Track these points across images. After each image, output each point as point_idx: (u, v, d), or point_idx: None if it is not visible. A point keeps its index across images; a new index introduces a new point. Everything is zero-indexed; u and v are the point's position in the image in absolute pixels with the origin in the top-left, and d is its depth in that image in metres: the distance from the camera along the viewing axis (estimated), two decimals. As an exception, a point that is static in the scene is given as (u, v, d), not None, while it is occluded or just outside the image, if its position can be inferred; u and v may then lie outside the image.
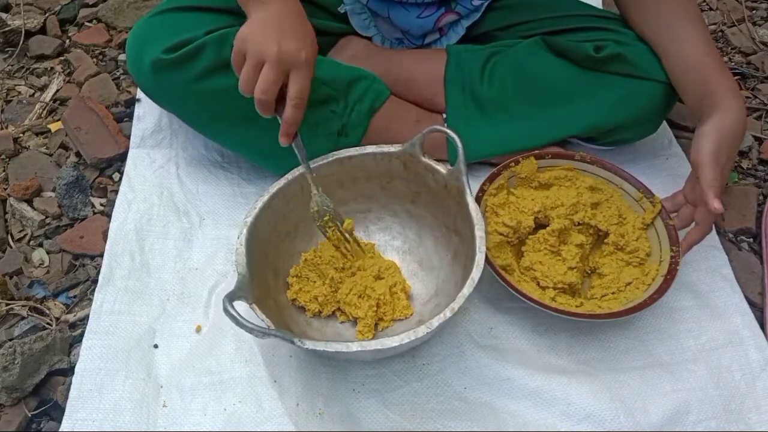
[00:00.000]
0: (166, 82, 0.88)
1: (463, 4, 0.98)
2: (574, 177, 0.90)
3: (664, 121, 1.05)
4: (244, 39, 0.74)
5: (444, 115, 0.97)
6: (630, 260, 0.84)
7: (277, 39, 0.72)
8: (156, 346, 0.82)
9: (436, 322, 0.68)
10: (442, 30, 1.02)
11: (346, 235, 0.83)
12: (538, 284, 0.83)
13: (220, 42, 0.86)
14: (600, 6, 1.28)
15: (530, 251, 0.84)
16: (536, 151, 0.90)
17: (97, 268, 0.90)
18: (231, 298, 0.67)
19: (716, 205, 0.74)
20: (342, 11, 0.99)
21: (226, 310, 0.66)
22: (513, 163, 0.89)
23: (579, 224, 0.86)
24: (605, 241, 0.86)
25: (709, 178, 0.76)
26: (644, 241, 0.85)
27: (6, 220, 0.99)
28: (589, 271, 0.86)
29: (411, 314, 0.83)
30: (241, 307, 0.68)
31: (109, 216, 0.96)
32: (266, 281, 0.80)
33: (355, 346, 0.67)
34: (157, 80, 0.88)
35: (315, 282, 0.83)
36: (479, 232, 0.74)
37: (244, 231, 0.77)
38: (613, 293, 0.82)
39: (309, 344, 0.67)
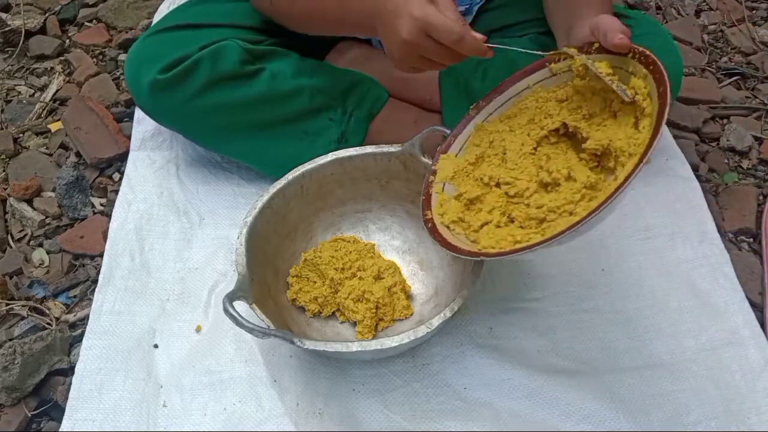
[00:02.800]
0: (165, 102, 0.89)
1: None
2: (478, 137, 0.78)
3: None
4: (392, 62, 0.74)
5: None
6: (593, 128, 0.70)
7: (396, 37, 0.70)
8: (156, 346, 0.82)
9: (436, 322, 0.68)
10: None
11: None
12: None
13: (214, 56, 0.86)
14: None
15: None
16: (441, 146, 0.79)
17: (97, 268, 0.90)
18: (231, 298, 0.67)
19: (618, 39, 0.66)
20: None
21: (226, 311, 0.66)
22: (432, 176, 0.77)
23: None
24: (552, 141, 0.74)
25: (619, 26, 0.68)
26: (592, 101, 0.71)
27: (6, 220, 0.99)
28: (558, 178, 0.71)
29: (411, 314, 0.83)
30: (241, 307, 0.68)
31: (109, 216, 0.96)
32: (266, 281, 0.80)
33: (355, 346, 0.67)
34: (155, 101, 0.89)
35: (315, 282, 0.83)
36: (479, 232, 0.74)
37: (244, 231, 0.77)
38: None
39: (309, 344, 0.67)
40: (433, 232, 0.71)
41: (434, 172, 0.77)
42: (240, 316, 0.65)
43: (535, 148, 0.74)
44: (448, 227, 0.72)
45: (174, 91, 0.87)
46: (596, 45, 0.70)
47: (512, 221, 0.71)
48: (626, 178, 0.58)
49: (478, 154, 0.76)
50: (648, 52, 0.65)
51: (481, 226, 0.71)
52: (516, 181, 0.72)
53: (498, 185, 0.73)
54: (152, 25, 0.96)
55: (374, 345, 0.68)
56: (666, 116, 0.60)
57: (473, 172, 0.76)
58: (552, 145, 0.75)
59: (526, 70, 0.76)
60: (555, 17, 0.87)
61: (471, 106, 0.79)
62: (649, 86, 0.64)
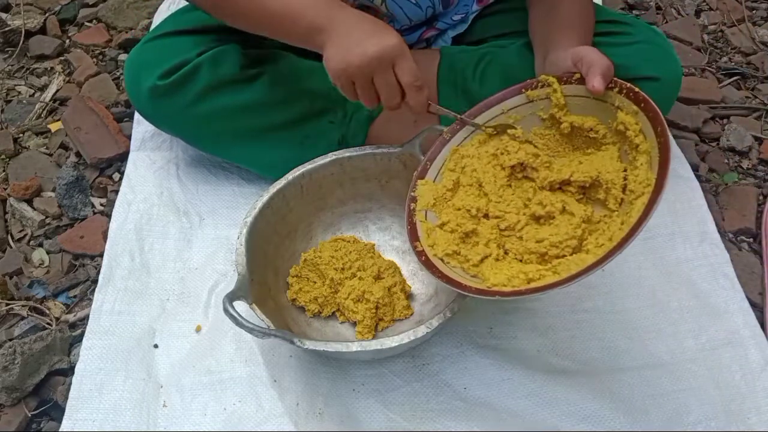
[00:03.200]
0: (165, 108, 0.89)
1: (444, 20, 0.98)
2: (457, 160, 0.78)
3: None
4: (337, 70, 0.71)
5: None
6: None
7: (365, 49, 0.68)
8: (156, 346, 0.82)
9: (435, 322, 0.68)
10: (428, 40, 1.02)
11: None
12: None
13: (214, 61, 0.87)
14: (599, 2, 1.28)
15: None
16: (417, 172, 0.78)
17: (97, 268, 0.90)
18: (231, 298, 0.68)
19: (598, 84, 0.66)
20: None
21: (226, 311, 0.66)
22: (413, 203, 0.76)
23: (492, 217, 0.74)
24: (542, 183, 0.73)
25: (603, 62, 0.68)
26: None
27: (6, 220, 0.99)
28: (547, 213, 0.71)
29: (411, 314, 0.83)
30: (241, 307, 0.68)
31: (109, 216, 0.96)
32: (266, 281, 0.80)
33: (355, 346, 0.67)
34: (155, 107, 0.89)
35: (315, 282, 0.83)
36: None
37: (244, 231, 0.77)
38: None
39: (309, 344, 0.67)
40: (430, 266, 0.69)
41: (414, 199, 0.76)
42: (240, 316, 0.65)
43: (509, 180, 0.74)
44: (442, 260, 0.70)
45: (174, 96, 0.87)
46: (577, 76, 0.70)
47: (506, 253, 0.71)
48: (641, 219, 0.60)
49: (454, 180, 0.76)
50: (636, 89, 0.65)
51: (481, 261, 0.70)
52: (506, 214, 0.72)
53: (486, 216, 0.73)
54: (150, 30, 0.96)
55: (374, 345, 0.68)
56: (671, 155, 0.61)
57: (452, 199, 0.76)
58: (523, 179, 0.75)
59: (501, 96, 0.76)
60: (534, 39, 0.87)
61: (445, 129, 0.78)
62: (641, 123, 0.65)
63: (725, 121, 1.12)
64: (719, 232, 0.93)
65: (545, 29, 0.83)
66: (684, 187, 0.98)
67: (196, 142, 0.96)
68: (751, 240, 0.95)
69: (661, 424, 0.76)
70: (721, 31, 1.30)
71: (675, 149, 1.03)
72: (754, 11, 1.35)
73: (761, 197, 1.00)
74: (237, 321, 0.65)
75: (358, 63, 0.69)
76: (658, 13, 1.35)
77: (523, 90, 0.74)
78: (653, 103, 0.64)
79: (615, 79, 0.67)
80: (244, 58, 0.88)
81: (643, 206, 0.61)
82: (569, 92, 0.71)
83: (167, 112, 0.90)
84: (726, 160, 1.06)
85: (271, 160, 0.93)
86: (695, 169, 1.02)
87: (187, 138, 0.95)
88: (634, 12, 1.36)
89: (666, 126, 0.62)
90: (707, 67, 1.22)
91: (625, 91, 0.66)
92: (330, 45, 0.71)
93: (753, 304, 0.86)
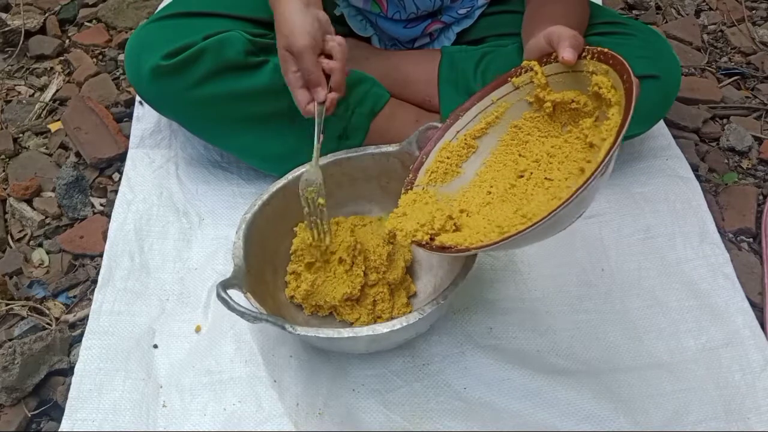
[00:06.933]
0: (166, 89, 0.88)
1: (449, 14, 0.98)
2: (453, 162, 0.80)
3: (663, 123, 1.05)
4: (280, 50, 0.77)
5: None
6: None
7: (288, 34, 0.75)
8: (155, 346, 0.82)
9: (428, 309, 0.69)
10: (432, 35, 1.02)
11: (322, 211, 0.79)
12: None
13: (219, 46, 0.86)
14: (599, 2, 1.28)
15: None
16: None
17: (97, 268, 0.90)
18: (225, 285, 0.67)
19: (568, 55, 0.67)
20: (338, 14, 0.99)
21: (219, 295, 0.66)
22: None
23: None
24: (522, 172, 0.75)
25: (570, 33, 0.69)
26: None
27: (6, 220, 0.99)
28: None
29: (410, 312, 0.83)
30: (239, 302, 0.68)
31: (108, 216, 0.96)
32: (265, 279, 0.80)
33: (346, 333, 0.67)
34: (156, 87, 0.89)
35: (306, 276, 0.83)
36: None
37: (243, 226, 0.77)
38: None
39: (300, 330, 0.67)
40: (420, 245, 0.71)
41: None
42: (232, 300, 0.65)
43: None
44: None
45: (176, 78, 0.87)
46: (554, 55, 0.71)
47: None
48: (602, 160, 0.58)
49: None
50: (606, 50, 0.66)
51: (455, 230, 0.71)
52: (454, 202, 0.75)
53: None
54: (157, 10, 0.95)
55: (366, 331, 0.67)
56: (635, 97, 0.60)
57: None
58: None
59: (488, 87, 0.78)
60: (523, 37, 0.87)
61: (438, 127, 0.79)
62: (611, 79, 0.66)
63: (725, 121, 1.12)
64: (719, 232, 0.93)
65: (530, 27, 0.84)
66: (684, 187, 0.98)
67: (194, 128, 0.95)
68: (751, 240, 0.95)
69: (661, 424, 0.76)
70: (721, 31, 1.30)
71: (675, 149, 1.04)
72: (754, 11, 1.35)
73: (761, 197, 1.00)
74: (229, 305, 0.65)
75: (290, 45, 0.75)
76: (658, 13, 1.35)
77: (509, 78, 0.76)
78: (620, 57, 0.65)
79: (586, 47, 0.68)
80: (250, 45, 0.88)
81: (609, 146, 0.61)
82: (549, 71, 0.73)
83: (168, 93, 0.89)
84: (726, 160, 1.06)
85: (269, 150, 0.92)
86: (695, 169, 1.02)
87: (186, 123, 0.94)
88: (634, 12, 1.36)
89: (631, 72, 0.62)
90: (707, 67, 1.22)
91: (596, 56, 0.67)
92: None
93: (753, 304, 0.86)
